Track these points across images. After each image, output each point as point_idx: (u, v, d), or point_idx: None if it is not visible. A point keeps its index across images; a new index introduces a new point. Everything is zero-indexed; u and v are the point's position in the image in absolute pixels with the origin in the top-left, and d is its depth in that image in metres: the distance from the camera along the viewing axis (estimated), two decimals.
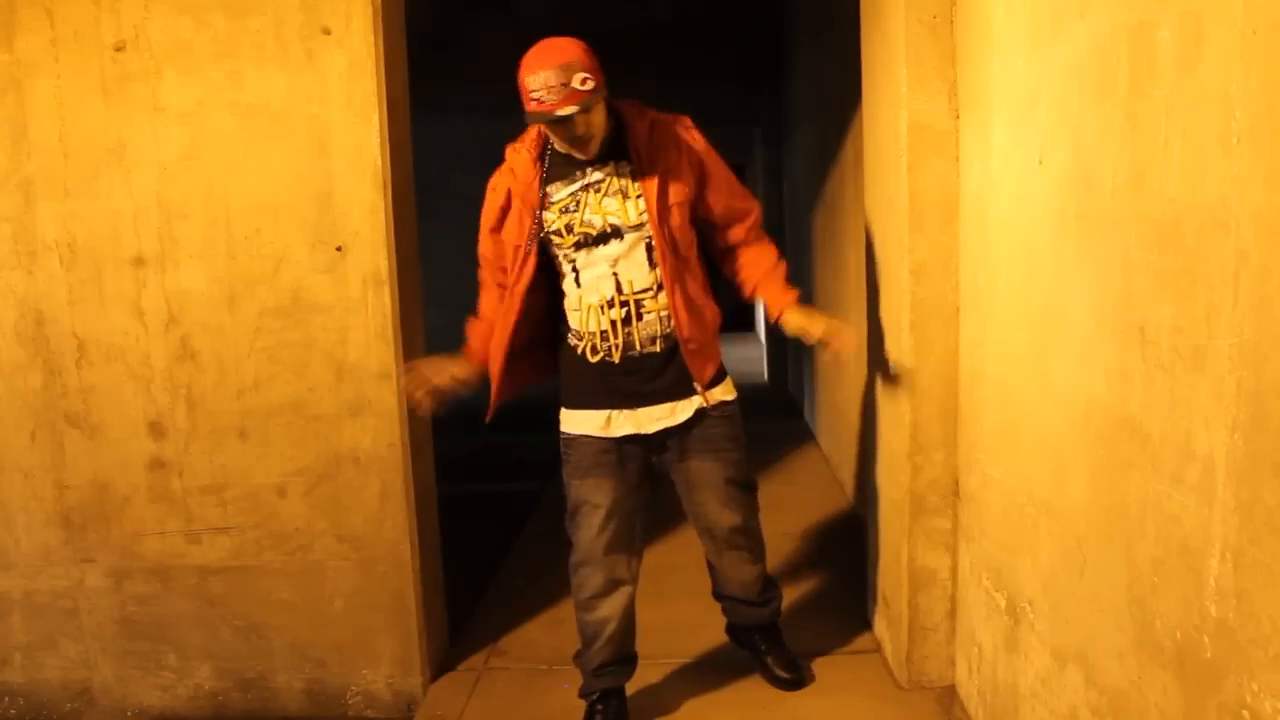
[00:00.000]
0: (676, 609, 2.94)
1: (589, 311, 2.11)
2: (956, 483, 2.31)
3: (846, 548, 3.41)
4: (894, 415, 2.44)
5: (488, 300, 2.27)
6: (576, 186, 2.08)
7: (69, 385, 2.45)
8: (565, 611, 3.00)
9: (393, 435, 2.42)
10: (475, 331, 2.27)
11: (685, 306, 2.09)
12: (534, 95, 1.90)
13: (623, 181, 2.07)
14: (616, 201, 2.07)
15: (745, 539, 2.33)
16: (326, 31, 2.30)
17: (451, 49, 6.35)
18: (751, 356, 9.01)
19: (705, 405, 2.17)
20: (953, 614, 2.36)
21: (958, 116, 2.20)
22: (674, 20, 6.55)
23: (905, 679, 2.41)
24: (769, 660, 2.45)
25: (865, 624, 2.81)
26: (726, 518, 2.27)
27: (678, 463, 2.22)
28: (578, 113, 1.91)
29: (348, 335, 2.39)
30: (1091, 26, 1.43)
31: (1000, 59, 1.88)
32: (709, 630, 2.78)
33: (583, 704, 2.30)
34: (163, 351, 2.42)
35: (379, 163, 2.33)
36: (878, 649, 2.64)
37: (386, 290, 2.37)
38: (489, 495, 4.51)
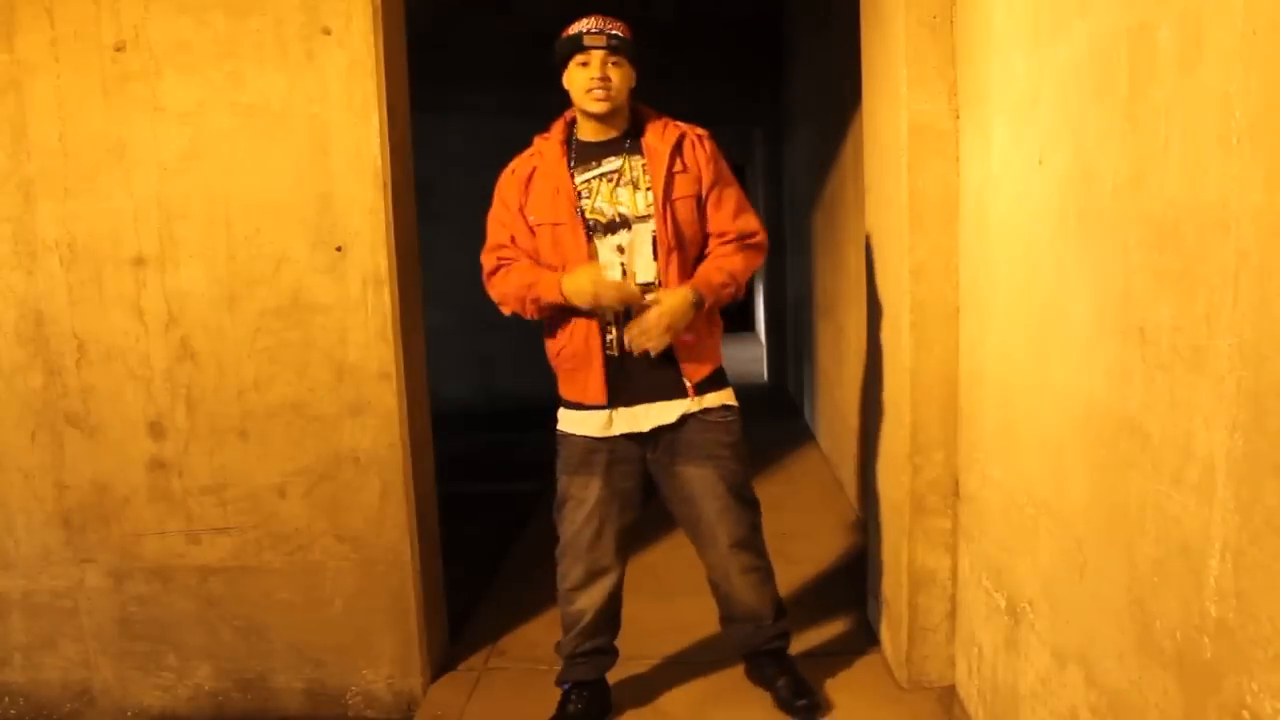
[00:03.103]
0: (676, 608, 2.94)
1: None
2: (956, 483, 2.31)
3: (846, 548, 3.41)
4: (894, 415, 2.44)
5: (521, 266, 2.17)
6: (591, 174, 2.12)
7: (69, 385, 2.44)
8: None
9: (393, 435, 2.42)
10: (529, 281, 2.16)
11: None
12: (585, 27, 2.08)
13: (634, 174, 2.11)
14: (627, 192, 2.11)
15: (752, 555, 2.26)
16: (326, 31, 2.30)
17: (451, 49, 6.35)
18: (751, 356, 9.01)
19: (694, 410, 2.14)
20: (953, 614, 2.36)
21: (958, 116, 2.20)
22: (674, 20, 6.55)
23: (905, 679, 2.41)
24: (780, 685, 2.31)
25: (865, 624, 2.81)
26: (725, 527, 2.21)
27: (671, 468, 2.18)
28: (620, 44, 2.07)
29: (348, 335, 2.39)
30: (1091, 26, 1.43)
31: (1000, 59, 1.88)
32: (709, 630, 2.78)
33: None
34: (163, 352, 2.42)
35: (379, 163, 2.33)
36: (878, 649, 2.64)
37: (386, 290, 2.37)
38: (489, 495, 4.51)
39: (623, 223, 2.10)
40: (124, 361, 2.43)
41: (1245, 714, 1.08)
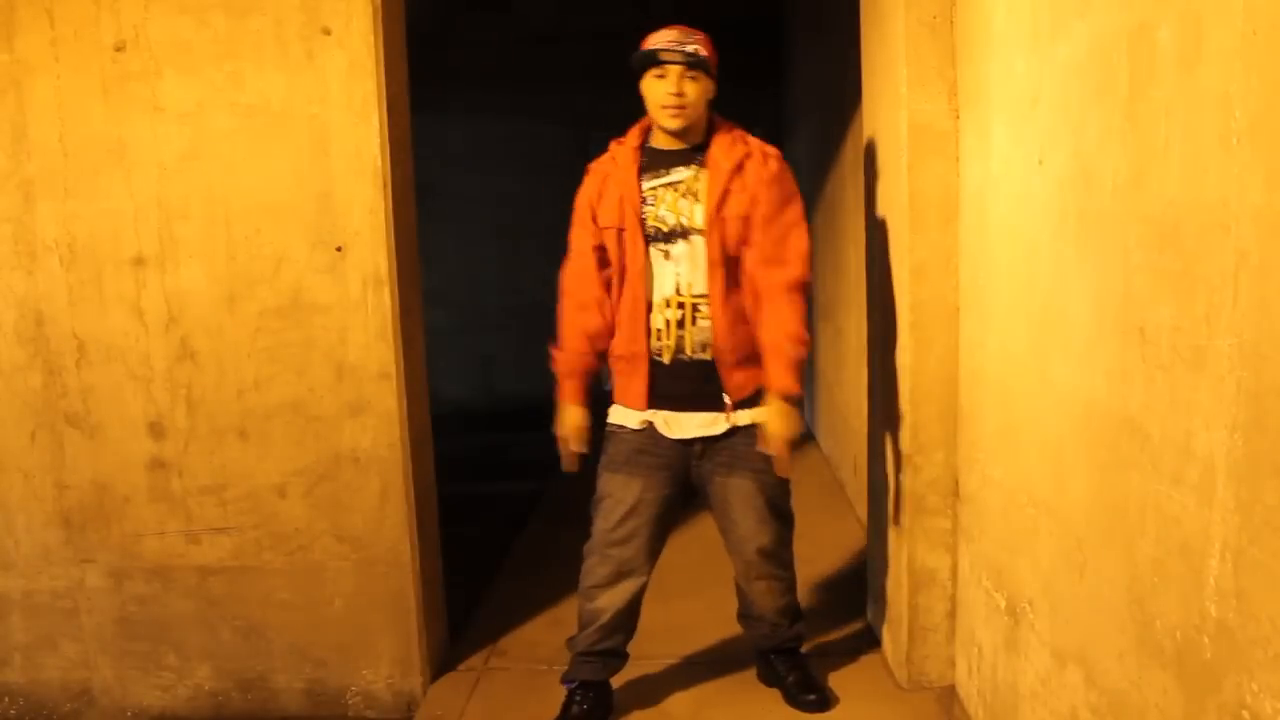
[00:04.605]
0: (676, 609, 2.94)
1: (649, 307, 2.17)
2: (956, 483, 2.31)
3: (846, 548, 3.41)
4: (894, 415, 2.44)
5: (576, 314, 2.25)
6: (659, 182, 2.16)
7: (69, 385, 2.44)
8: (565, 611, 3.00)
9: (393, 435, 2.42)
10: (570, 353, 2.25)
11: (726, 316, 2.12)
12: (663, 43, 2.10)
13: (698, 186, 2.14)
14: (689, 203, 2.14)
15: (775, 566, 2.33)
16: (326, 31, 2.30)
17: (451, 49, 6.34)
18: None
19: (739, 423, 2.17)
20: (953, 614, 2.36)
21: (958, 116, 2.20)
22: (674, 20, 6.55)
23: (905, 679, 2.41)
24: (790, 681, 2.38)
25: (865, 624, 2.81)
26: (757, 539, 2.26)
27: (714, 478, 2.23)
28: (697, 61, 2.08)
29: (348, 335, 2.39)
30: (1091, 27, 1.43)
31: (1000, 59, 1.88)
32: (709, 630, 2.78)
33: None
34: (163, 351, 2.42)
35: (379, 163, 2.33)
36: (878, 649, 2.64)
37: (386, 290, 2.37)
38: (489, 495, 4.51)
39: (681, 233, 2.13)
40: (124, 361, 2.43)
41: (1245, 714, 1.08)
